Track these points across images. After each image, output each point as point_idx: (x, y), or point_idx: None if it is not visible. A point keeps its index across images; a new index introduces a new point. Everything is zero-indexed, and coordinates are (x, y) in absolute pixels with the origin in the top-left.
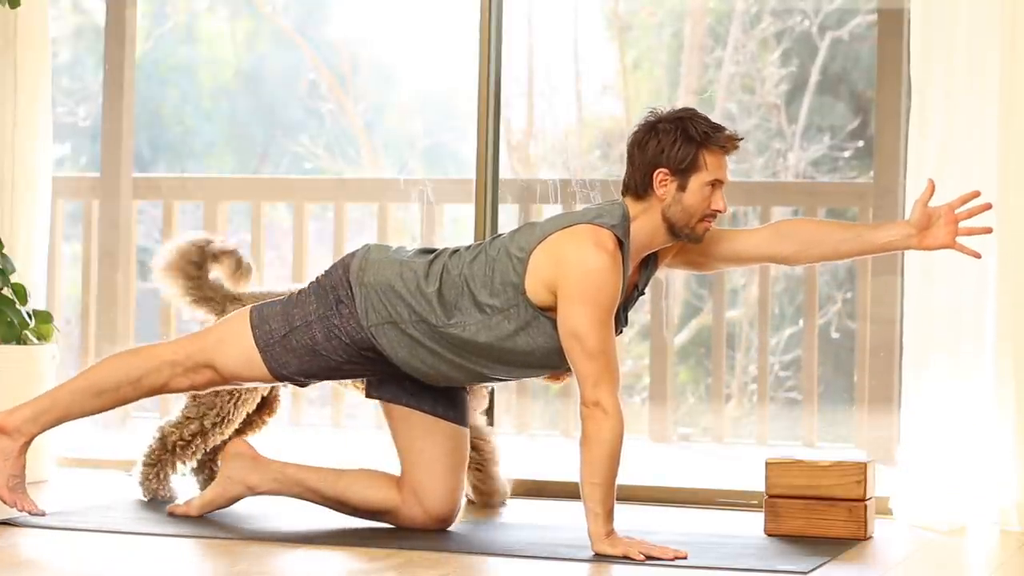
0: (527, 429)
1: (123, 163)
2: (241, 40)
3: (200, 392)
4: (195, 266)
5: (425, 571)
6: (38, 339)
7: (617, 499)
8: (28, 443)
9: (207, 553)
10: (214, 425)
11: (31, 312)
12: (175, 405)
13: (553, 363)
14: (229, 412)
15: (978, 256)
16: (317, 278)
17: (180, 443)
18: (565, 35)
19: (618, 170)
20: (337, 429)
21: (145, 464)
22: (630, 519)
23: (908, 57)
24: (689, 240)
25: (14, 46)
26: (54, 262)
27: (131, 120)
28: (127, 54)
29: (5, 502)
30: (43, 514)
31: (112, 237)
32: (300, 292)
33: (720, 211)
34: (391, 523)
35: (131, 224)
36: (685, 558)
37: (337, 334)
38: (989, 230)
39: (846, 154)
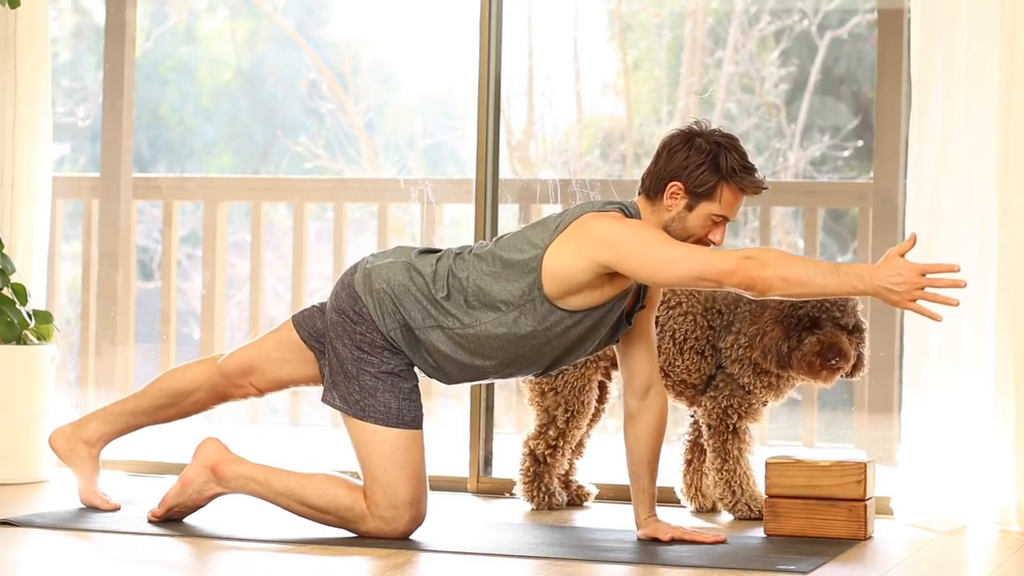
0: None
1: (123, 163)
2: (241, 40)
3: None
4: None
5: (425, 571)
6: (38, 339)
7: (617, 500)
8: (214, 495)
9: (206, 553)
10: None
11: (31, 312)
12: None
13: (568, 357)
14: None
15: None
16: (327, 323)
17: (547, 451)
18: (565, 35)
19: (618, 170)
20: (335, 429)
21: (524, 482)
22: (630, 519)
23: (908, 57)
24: None
25: (14, 46)
26: (54, 262)
27: (131, 120)
28: (127, 54)
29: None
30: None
31: (112, 237)
32: (328, 357)
33: (716, 244)
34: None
35: (131, 224)
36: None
37: (376, 346)
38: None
39: (846, 154)
